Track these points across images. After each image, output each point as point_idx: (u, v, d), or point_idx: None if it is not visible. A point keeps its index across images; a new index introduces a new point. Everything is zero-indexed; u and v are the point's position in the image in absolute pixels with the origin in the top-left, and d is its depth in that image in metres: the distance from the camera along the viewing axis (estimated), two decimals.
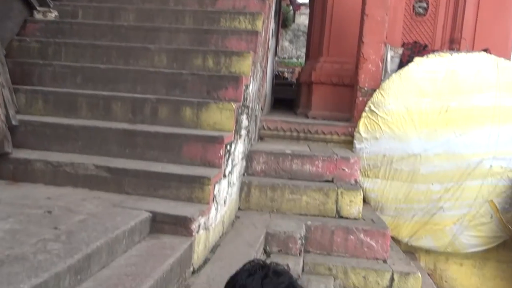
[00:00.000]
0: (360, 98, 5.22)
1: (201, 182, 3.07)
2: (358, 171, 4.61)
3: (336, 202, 4.30)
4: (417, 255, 5.40)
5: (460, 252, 5.21)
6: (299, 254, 3.82)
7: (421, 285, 3.91)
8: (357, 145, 5.01)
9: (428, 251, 5.39)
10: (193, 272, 2.91)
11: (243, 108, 3.96)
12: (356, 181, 4.56)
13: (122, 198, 3.03)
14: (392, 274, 3.84)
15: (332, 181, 4.52)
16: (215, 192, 3.21)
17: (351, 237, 4.04)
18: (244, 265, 1.29)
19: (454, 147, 4.78)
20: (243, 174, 4.48)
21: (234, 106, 3.62)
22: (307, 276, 3.78)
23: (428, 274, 5.09)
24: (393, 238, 4.87)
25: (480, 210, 4.90)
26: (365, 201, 4.83)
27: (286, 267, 1.29)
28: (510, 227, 4.89)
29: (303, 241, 3.90)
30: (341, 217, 4.30)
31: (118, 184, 3.12)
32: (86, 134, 3.44)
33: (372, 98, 4.99)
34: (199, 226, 2.90)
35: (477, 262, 5.46)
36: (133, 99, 3.76)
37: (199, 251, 2.98)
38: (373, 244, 4.05)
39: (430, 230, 5.06)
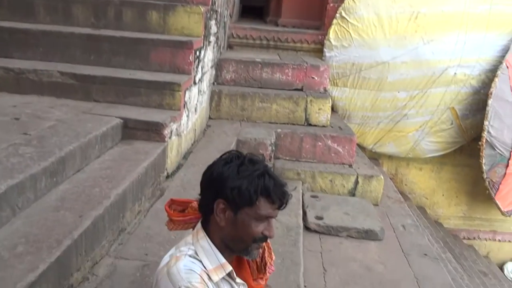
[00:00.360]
0: (331, 4, 5.08)
1: (171, 88, 3.03)
2: (328, 80, 4.64)
3: (305, 110, 4.36)
4: (381, 161, 5.67)
5: (420, 157, 5.50)
6: (269, 160, 3.93)
7: (383, 187, 4.15)
8: (327, 53, 4.99)
9: (390, 157, 5.66)
10: (167, 176, 2.98)
11: (211, 12, 3.81)
12: (325, 89, 4.60)
13: (91, 105, 2.98)
14: (357, 177, 4.04)
15: (301, 90, 4.55)
16: (185, 99, 3.19)
17: (319, 143, 4.17)
18: (221, 156, 1.33)
19: (421, 55, 4.84)
20: (213, 83, 4.44)
21: (202, 10, 3.48)
22: None
23: (390, 179, 5.38)
24: (358, 145, 5.06)
25: (441, 117, 5.10)
26: (333, 109, 4.93)
27: (261, 157, 1.34)
28: (470, 131, 5.13)
29: (273, 148, 4.00)
30: (310, 124, 4.39)
31: (85, 92, 3.04)
32: (48, 39, 3.27)
33: (343, 4, 4.88)
34: (171, 132, 2.92)
35: (435, 166, 5.81)
36: (94, 1, 3.54)
37: (172, 157, 3.02)
38: (340, 150, 4.20)
39: (394, 137, 5.27)
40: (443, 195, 5.91)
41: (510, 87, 4.71)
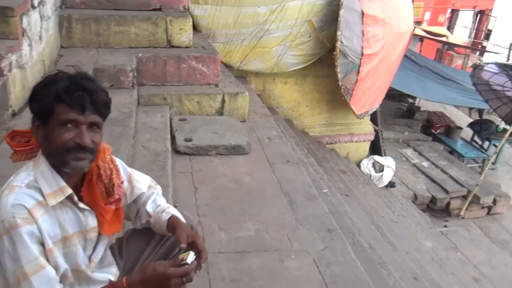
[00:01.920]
0: None
1: (3, 13, 2.68)
2: None
3: (166, 31, 4.21)
4: (248, 79, 5.82)
5: (284, 71, 5.74)
6: (132, 87, 3.79)
7: (250, 103, 4.30)
8: None
9: (257, 74, 5.83)
10: (14, 114, 2.72)
11: None
12: (185, 8, 4.46)
13: None
14: (223, 96, 4.11)
15: (160, 9, 4.35)
16: (24, 26, 2.85)
17: (183, 65, 4.10)
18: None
19: None
20: (60, 7, 4.02)
21: None
22: (143, 108, 3.83)
23: (258, 95, 5.58)
24: (225, 64, 5.10)
25: (300, 30, 5.29)
26: (196, 29, 4.83)
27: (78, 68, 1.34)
28: (326, 43, 5.43)
29: (135, 74, 3.84)
30: (173, 46, 4.27)
31: None
32: None
33: None
34: (10, 64, 2.62)
35: (298, 79, 6.15)
36: None
37: (17, 92, 2.74)
38: (205, 70, 4.19)
39: (258, 53, 5.38)
40: (307, 106, 6.35)
41: None
